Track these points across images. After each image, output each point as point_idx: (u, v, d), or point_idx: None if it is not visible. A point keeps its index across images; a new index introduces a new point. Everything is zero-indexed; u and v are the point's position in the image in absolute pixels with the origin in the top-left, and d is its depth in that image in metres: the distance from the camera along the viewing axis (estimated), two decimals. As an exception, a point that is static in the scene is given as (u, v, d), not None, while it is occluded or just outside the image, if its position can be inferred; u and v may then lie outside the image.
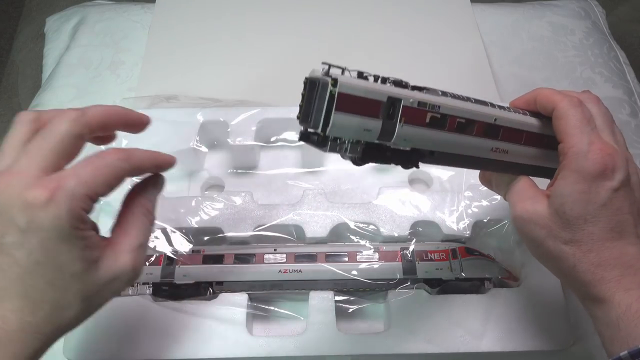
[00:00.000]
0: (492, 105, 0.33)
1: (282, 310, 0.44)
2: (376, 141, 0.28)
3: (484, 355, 0.40)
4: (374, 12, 0.67)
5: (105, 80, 0.64)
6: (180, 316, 0.41)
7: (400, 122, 0.28)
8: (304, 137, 0.28)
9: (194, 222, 0.46)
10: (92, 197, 0.28)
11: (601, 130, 0.32)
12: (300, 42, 0.64)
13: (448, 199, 0.47)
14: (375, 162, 0.29)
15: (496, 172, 0.36)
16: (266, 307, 0.44)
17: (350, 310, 0.43)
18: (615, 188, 0.30)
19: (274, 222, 0.46)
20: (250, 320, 0.43)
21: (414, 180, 0.53)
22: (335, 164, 0.53)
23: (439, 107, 0.29)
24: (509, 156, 0.34)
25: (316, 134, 0.27)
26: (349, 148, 0.27)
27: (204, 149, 0.52)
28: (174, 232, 0.46)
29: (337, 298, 0.43)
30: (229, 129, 0.51)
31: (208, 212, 0.47)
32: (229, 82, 0.60)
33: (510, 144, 0.33)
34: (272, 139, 0.54)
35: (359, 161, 0.29)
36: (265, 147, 0.54)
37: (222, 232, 0.46)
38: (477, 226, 0.46)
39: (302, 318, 0.43)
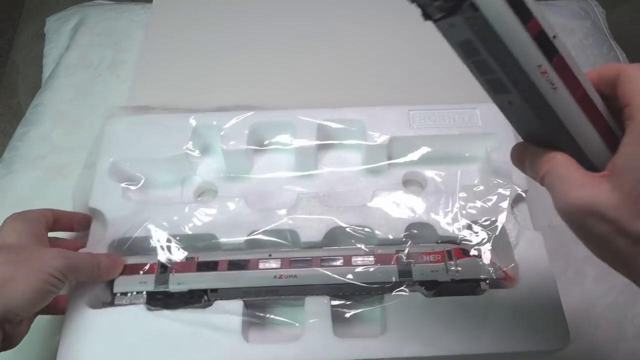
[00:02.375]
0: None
1: (277, 317, 0.43)
2: None
3: (480, 356, 0.40)
4: (367, 16, 0.67)
5: (105, 80, 0.64)
6: (175, 325, 0.41)
7: None
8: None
9: (187, 229, 0.46)
10: None
11: None
12: (294, 46, 0.63)
13: (442, 201, 0.47)
14: None
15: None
16: (262, 314, 0.44)
17: (347, 315, 0.43)
18: None
19: (268, 227, 0.46)
20: (247, 327, 0.43)
21: (408, 181, 0.53)
22: (329, 166, 0.53)
23: None
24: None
25: None
26: None
27: (196, 153, 0.52)
28: (168, 239, 0.45)
29: (333, 303, 0.43)
30: (222, 133, 0.51)
31: (202, 219, 0.46)
32: (223, 87, 0.60)
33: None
34: (266, 142, 0.54)
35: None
36: (258, 151, 0.54)
37: (216, 239, 0.45)
38: (472, 227, 0.45)
39: (297, 324, 0.42)
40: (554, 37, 0.26)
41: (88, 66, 0.66)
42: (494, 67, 0.27)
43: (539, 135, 0.29)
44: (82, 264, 0.40)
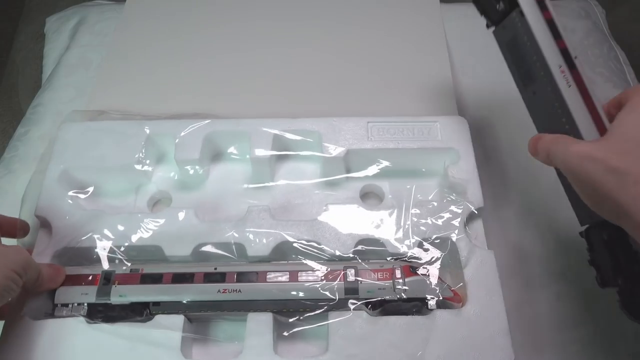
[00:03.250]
0: None
1: (217, 334, 0.42)
2: None
3: (423, 379, 0.39)
4: (329, 26, 0.65)
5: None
6: (113, 340, 0.40)
7: None
8: None
9: (134, 239, 0.45)
10: None
11: None
12: (254, 55, 0.62)
13: (395, 216, 0.46)
14: None
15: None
16: (205, 329, 0.43)
17: (290, 332, 0.42)
18: None
19: (216, 240, 0.45)
20: (189, 343, 0.42)
21: (366, 194, 0.52)
22: (287, 178, 0.52)
23: None
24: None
25: None
26: None
27: (150, 162, 0.51)
28: (113, 250, 0.44)
29: (278, 319, 0.42)
30: (176, 141, 0.50)
31: (149, 229, 0.45)
32: (182, 94, 0.59)
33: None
34: (225, 151, 0.53)
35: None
36: (214, 161, 0.53)
37: (162, 251, 0.44)
38: (423, 245, 0.45)
39: (236, 342, 0.42)
40: (576, 57, 0.39)
41: (88, 66, 0.65)
42: (528, 60, 0.40)
43: (552, 125, 0.39)
44: (35, 265, 0.39)
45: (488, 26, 0.44)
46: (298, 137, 0.51)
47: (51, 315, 0.42)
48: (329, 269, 0.43)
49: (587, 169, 0.32)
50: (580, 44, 0.67)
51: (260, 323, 0.41)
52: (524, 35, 0.40)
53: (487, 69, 0.63)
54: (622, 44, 0.70)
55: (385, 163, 0.50)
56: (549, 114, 0.40)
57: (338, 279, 0.42)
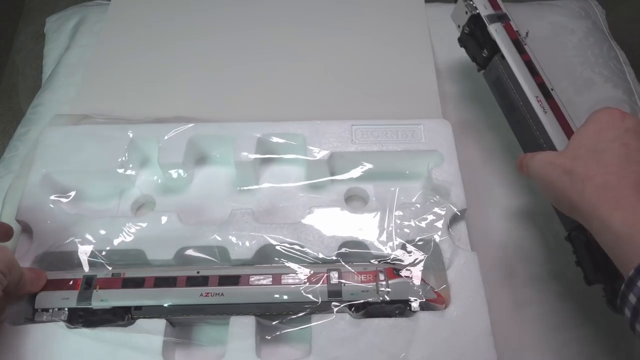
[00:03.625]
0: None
1: (199, 339, 0.42)
2: None
3: (406, 381, 0.39)
4: (313, 29, 0.65)
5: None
6: (94, 345, 0.40)
7: None
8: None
9: (115, 243, 0.45)
10: None
11: None
12: (238, 58, 0.62)
13: (378, 218, 0.46)
14: None
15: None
16: (186, 333, 0.42)
17: (273, 335, 0.42)
18: (626, 129, 0.36)
19: (198, 244, 0.45)
20: (172, 347, 0.42)
21: (351, 197, 0.52)
22: (271, 181, 0.52)
23: None
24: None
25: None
26: None
27: (133, 166, 0.50)
28: (94, 254, 0.44)
29: (261, 322, 0.42)
30: (159, 145, 0.50)
31: (131, 233, 0.45)
32: (166, 98, 0.58)
33: None
34: (208, 155, 0.53)
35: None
36: (198, 165, 0.53)
37: (145, 255, 0.44)
38: (406, 247, 0.45)
39: (219, 346, 0.41)
40: (552, 89, 0.47)
41: (88, 66, 0.65)
42: (510, 94, 0.49)
43: (533, 146, 0.46)
44: (18, 266, 0.39)
45: (478, 70, 0.54)
46: (282, 140, 0.51)
47: (31, 320, 0.42)
48: (312, 272, 0.43)
49: (548, 172, 0.39)
50: (580, 44, 0.67)
51: (242, 326, 0.41)
52: (504, 73, 0.49)
53: (471, 71, 0.63)
54: (622, 44, 0.70)
55: (369, 166, 0.51)
56: (531, 137, 0.47)
57: (321, 282, 0.42)
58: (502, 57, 0.49)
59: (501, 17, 0.50)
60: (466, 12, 0.52)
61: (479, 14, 0.51)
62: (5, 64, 1.22)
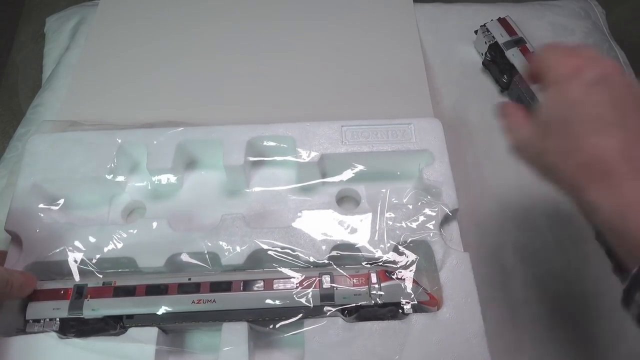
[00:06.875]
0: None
1: (191, 346, 0.42)
2: None
3: (400, 384, 0.39)
4: (301, 29, 0.65)
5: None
6: (86, 355, 0.40)
7: None
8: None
9: (106, 251, 0.44)
10: None
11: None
12: (226, 61, 0.62)
13: (370, 221, 0.46)
14: None
15: None
16: (179, 340, 0.42)
17: (265, 341, 0.41)
18: (589, 84, 0.31)
19: (189, 250, 0.44)
20: (165, 355, 0.42)
21: (343, 199, 0.52)
22: (262, 184, 0.52)
23: None
24: None
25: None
26: None
27: (122, 172, 0.50)
28: (85, 263, 0.44)
29: (253, 328, 0.41)
30: (148, 150, 0.49)
31: (122, 241, 0.45)
32: (154, 103, 0.58)
33: None
34: (198, 159, 0.52)
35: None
36: (188, 169, 0.52)
37: (135, 262, 0.44)
38: (398, 248, 0.44)
39: (212, 353, 0.41)
40: None
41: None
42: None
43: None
44: (3, 273, 0.38)
45: (501, 92, 0.60)
46: (272, 143, 0.50)
47: (22, 331, 0.42)
48: (304, 276, 0.42)
49: (522, 159, 0.36)
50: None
51: (235, 332, 0.40)
52: (524, 93, 0.54)
53: (462, 69, 0.63)
54: (622, 44, 0.70)
55: (360, 167, 0.50)
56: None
57: (313, 286, 0.42)
58: (521, 77, 0.54)
59: (517, 42, 0.57)
60: (485, 42, 0.60)
61: (496, 42, 0.58)
62: (5, 64, 1.21)
